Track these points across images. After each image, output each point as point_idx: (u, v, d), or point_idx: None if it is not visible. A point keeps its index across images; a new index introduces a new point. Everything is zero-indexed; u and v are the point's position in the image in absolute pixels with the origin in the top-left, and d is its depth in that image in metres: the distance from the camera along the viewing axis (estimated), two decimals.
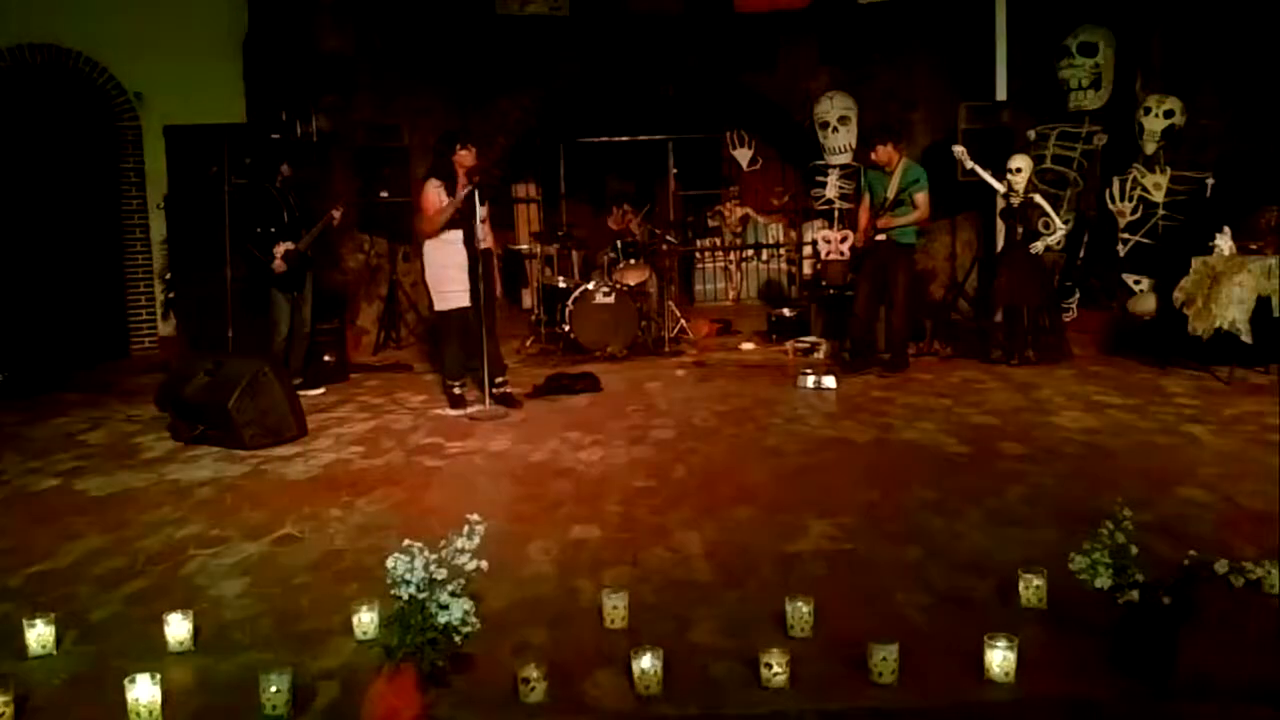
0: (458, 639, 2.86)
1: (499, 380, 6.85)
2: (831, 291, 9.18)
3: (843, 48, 10.34)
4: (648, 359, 8.74)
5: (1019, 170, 7.88)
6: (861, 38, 10.14)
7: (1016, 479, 4.87)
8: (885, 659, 2.88)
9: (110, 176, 9.51)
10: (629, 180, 11.77)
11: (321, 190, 8.79)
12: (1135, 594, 2.88)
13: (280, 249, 7.29)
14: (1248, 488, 4.58)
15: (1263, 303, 6.80)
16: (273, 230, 7.33)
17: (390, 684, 2.73)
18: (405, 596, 2.83)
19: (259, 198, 7.42)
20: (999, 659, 2.88)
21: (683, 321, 9.82)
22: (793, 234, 11.41)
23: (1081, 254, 9.26)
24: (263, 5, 9.45)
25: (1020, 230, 7.90)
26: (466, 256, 6.55)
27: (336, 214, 7.54)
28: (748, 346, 9.34)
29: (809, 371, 7.37)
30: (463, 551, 2.90)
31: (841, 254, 9.49)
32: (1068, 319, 8.82)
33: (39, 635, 3.22)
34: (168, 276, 9.29)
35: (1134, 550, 2.95)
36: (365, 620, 3.26)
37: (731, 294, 12.11)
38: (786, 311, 9.70)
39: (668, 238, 9.81)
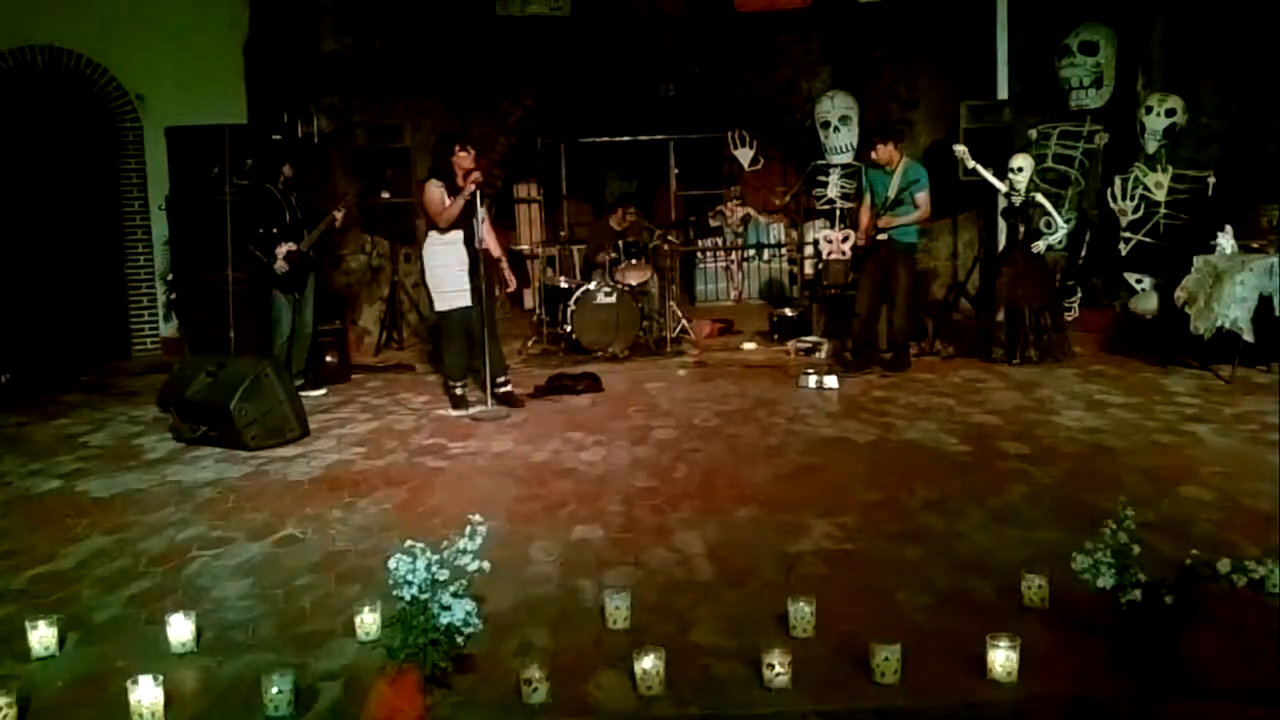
0: (460, 640, 2.86)
1: (501, 380, 6.85)
2: (833, 291, 9.18)
3: (843, 47, 10.35)
4: (649, 359, 8.74)
5: (1020, 169, 7.87)
6: (862, 37, 10.15)
7: (1018, 478, 4.86)
8: (887, 659, 2.88)
9: (111, 178, 9.53)
10: (630, 180, 11.76)
11: (323, 191, 8.80)
12: (1137, 593, 2.87)
13: (282, 250, 7.28)
14: (1249, 486, 4.57)
15: (1264, 301, 6.80)
16: (274, 231, 7.32)
17: (392, 685, 2.74)
18: (407, 597, 2.83)
19: (261, 199, 7.42)
20: (1001, 659, 2.88)
21: (684, 322, 9.81)
22: (794, 234, 11.41)
23: (1083, 253, 9.27)
24: (264, 6, 9.47)
25: (1022, 229, 7.89)
26: (467, 256, 6.56)
27: (338, 215, 7.54)
28: (749, 346, 9.34)
29: (810, 371, 7.37)
30: (465, 552, 2.90)
31: (843, 254, 9.46)
32: (1069, 318, 8.80)
33: (41, 637, 3.22)
34: (169, 278, 9.28)
35: (1136, 550, 2.94)
36: (367, 621, 3.26)
37: (733, 294, 12.11)
38: (788, 311, 9.70)
39: (669, 238, 9.80)
